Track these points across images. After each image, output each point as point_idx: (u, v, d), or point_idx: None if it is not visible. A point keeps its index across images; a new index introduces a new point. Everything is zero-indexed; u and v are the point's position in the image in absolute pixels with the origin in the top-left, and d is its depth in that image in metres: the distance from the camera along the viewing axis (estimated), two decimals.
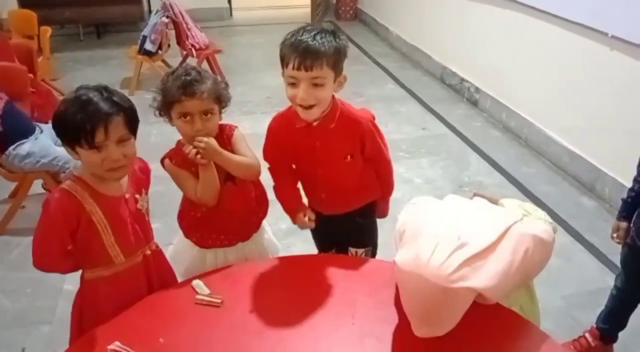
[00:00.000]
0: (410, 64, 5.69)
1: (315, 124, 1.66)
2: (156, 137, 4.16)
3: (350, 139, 1.70)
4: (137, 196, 1.51)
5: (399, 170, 3.58)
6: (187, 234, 1.83)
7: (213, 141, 1.59)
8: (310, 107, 1.57)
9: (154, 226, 3.05)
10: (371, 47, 6.34)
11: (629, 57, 2.95)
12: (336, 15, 7.83)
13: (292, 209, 1.84)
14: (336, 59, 1.55)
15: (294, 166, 1.82)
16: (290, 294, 1.54)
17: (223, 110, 1.68)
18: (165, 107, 1.61)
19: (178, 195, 3.24)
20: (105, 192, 1.42)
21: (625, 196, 2.01)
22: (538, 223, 1.44)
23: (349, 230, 1.90)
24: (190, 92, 1.55)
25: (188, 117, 1.58)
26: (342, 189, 1.78)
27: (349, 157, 1.71)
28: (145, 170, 1.59)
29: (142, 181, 1.56)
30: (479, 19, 4.47)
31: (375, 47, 6.37)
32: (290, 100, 1.61)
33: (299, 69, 1.51)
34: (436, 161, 3.73)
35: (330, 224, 1.87)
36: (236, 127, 1.76)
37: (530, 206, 1.62)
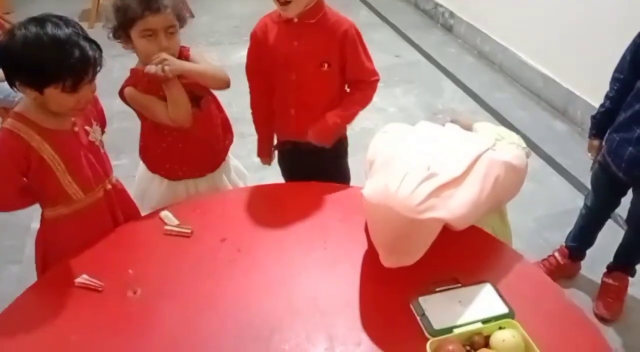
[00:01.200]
0: None
1: (295, 20, 1.59)
2: (119, 71, 4.01)
3: (330, 43, 1.61)
4: (87, 128, 1.42)
5: (373, 99, 3.52)
6: (154, 167, 1.76)
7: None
8: (287, 2, 1.52)
9: (121, 162, 2.99)
10: None
11: None
12: None
13: (261, 131, 1.86)
14: None
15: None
16: (261, 222, 1.51)
17: (181, 31, 1.57)
18: (124, 27, 1.50)
19: None
20: (52, 127, 1.33)
21: (594, 113, 2.00)
22: (510, 148, 1.42)
23: (317, 171, 1.75)
24: (155, 7, 1.46)
25: (152, 35, 1.49)
26: (312, 105, 1.70)
27: (325, 65, 1.62)
28: (94, 101, 1.50)
29: (91, 112, 1.47)
30: None
31: None
32: None
33: None
34: (410, 89, 3.67)
35: (299, 163, 1.84)
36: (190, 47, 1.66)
37: (504, 130, 1.60)
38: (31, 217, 2.23)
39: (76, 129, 1.39)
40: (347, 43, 1.62)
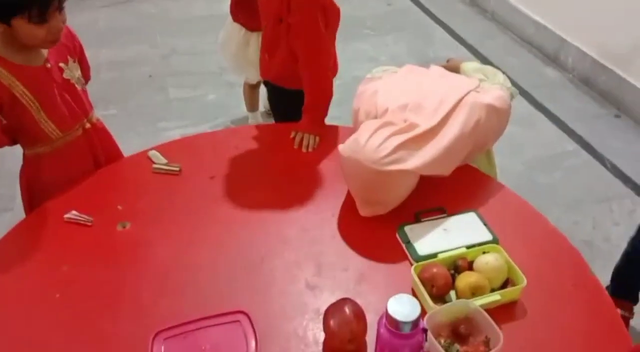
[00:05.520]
0: None
1: None
2: (105, 22, 3.95)
3: (281, 1, 1.53)
4: (61, 64, 1.38)
5: (364, 47, 3.48)
6: (234, 17, 2.23)
7: None
8: None
9: (110, 112, 2.97)
10: None
11: None
12: None
13: None
14: None
15: None
16: (250, 160, 1.52)
17: None
18: None
19: (131, 80, 3.13)
20: (23, 63, 1.30)
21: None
22: (493, 89, 1.41)
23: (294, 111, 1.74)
24: None
25: None
26: (276, 55, 1.67)
27: (281, 21, 1.57)
28: (70, 37, 1.44)
29: (66, 48, 1.41)
30: None
31: None
32: None
33: None
34: (401, 37, 3.62)
35: (281, 101, 1.84)
36: None
37: (490, 70, 1.58)
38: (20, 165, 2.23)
39: (49, 65, 1.34)
40: (291, 8, 1.52)
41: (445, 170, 1.30)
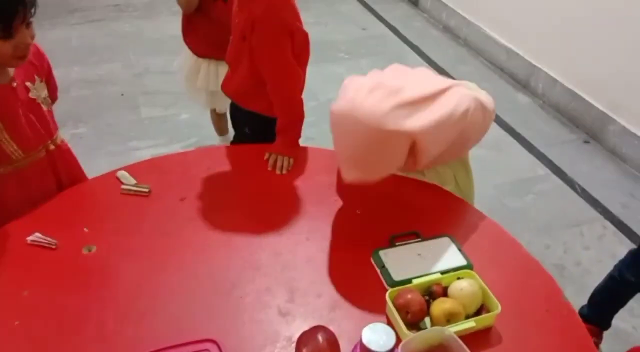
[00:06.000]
0: None
1: None
2: (77, 39, 3.89)
3: (246, 19, 1.51)
4: (27, 83, 1.34)
5: (339, 70, 3.50)
6: (185, 39, 2.18)
7: None
8: None
9: (80, 130, 2.91)
10: None
11: None
12: None
13: None
14: None
15: None
16: (221, 182, 1.49)
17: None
18: None
19: (103, 99, 3.11)
20: None
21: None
22: (481, 91, 1.42)
23: (252, 132, 1.75)
24: None
25: None
26: (238, 72, 1.66)
27: (244, 38, 1.55)
28: (38, 55, 1.40)
29: (34, 66, 1.37)
30: None
31: None
32: None
33: None
34: (375, 62, 3.65)
35: (239, 116, 1.84)
36: None
37: (471, 84, 1.59)
38: None
39: (14, 84, 1.30)
40: (256, 23, 1.49)
41: (435, 146, 1.25)
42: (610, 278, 1.77)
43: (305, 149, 1.63)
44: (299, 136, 1.65)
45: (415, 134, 1.17)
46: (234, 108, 1.89)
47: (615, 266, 1.76)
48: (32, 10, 1.21)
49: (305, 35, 1.59)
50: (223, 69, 2.07)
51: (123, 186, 1.42)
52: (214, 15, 2.02)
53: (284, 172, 1.52)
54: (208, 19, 2.04)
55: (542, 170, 2.72)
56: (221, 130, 2.62)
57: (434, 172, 1.50)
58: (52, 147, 1.43)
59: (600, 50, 2.84)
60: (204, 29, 2.09)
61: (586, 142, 2.94)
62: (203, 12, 2.05)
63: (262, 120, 1.69)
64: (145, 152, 2.69)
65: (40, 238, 1.24)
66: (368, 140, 1.16)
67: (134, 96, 3.17)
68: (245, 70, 1.61)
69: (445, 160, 1.40)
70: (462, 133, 1.31)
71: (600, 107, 2.89)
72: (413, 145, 1.21)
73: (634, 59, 2.66)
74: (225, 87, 1.78)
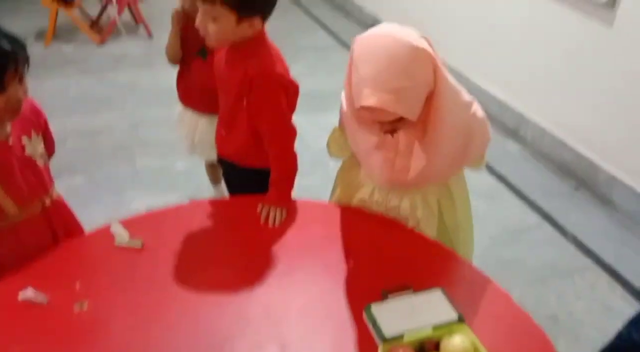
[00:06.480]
0: (343, 14, 5.60)
1: (227, 48, 1.59)
2: (75, 89, 3.96)
3: (242, 79, 1.54)
4: (24, 139, 1.36)
5: (331, 120, 3.52)
6: (181, 99, 2.27)
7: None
8: (205, 35, 1.49)
9: (75, 182, 2.93)
10: None
11: (545, 1, 3.03)
12: None
13: None
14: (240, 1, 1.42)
15: None
16: (214, 235, 1.51)
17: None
18: None
19: (99, 149, 3.14)
20: None
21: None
22: None
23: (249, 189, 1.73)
24: None
25: None
26: (235, 133, 1.69)
27: (245, 100, 1.58)
28: (35, 111, 1.42)
29: (30, 122, 1.39)
30: None
31: None
32: None
33: None
34: None
35: (236, 176, 1.86)
36: None
37: None
38: None
39: (10, 139, 1.32)
40: (254, 84, 1.53)
41: (449, 115, 1.30)
42: (618, 336, 1.72)
43: (297, 202, 1.65)
44: (291, 188, 1.68)
45: (439, 65, 1.22)
46: (231, 169, 1.87)
47: (625, 324, 1.72)
48: (25, 66, 1.25)
49: (296, 87, 1.64)
50: (202, 124, 2.20)
51: (116, 241, 1.43)
52: (192, 70, 2.12)
53: (277, 224, 1.54)
54: (189, 72, 2.14)
55: (534, 219, 2.74)
56: (215, 179, 2.64)
57: (419, 195, 1.52)
58: (47, 202, 1.44)
59: (586, 101, 2.92)
60: (185, 81, 2.19)
61: (577, 190, 2.98)
62: (186, 64, 2.14)
63: (259, 174, 1.71)
64: (141, 203, 2.70)
65: (32, 295, 1.24)
66: (397, 56, 1.17)
67: (130, 146, 3.21)
68: (244, 129, 1.64)
69: (443, 174, 1.44)
70: (468, 128, 1.37)
71: (589, 156, 2.95)
72: (430, 98, 1.25)
73: (620, 109, 2.73)
74: (223, 149, 1.80)
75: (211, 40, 1.49)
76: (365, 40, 1.24)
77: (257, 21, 1.49)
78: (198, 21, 1.46)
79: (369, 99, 1.19)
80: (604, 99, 2.80)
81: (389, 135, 1.38)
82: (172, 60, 2.15)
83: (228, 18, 1.44)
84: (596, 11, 2.75)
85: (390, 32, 1.21)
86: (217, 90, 1.71)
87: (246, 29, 1.48)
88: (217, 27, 1.45)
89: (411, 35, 1.20)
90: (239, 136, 1.68)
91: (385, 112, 1.20)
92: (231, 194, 1.98)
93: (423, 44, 1.20)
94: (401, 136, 1.38)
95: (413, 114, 1.24)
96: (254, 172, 1.73)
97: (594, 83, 2.85)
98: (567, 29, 2.95)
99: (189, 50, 2.08)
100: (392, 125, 1.30)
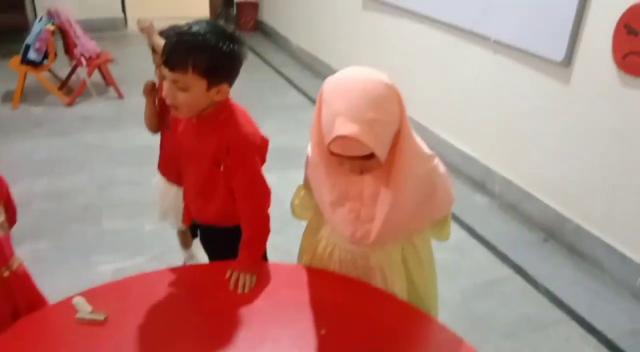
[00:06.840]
0: (312, 73, 5.75)
1: (194, 120, 1.58)
2: (44, 151, 3.91)
3: (217, 146, 1.55)
4: None
5: (303, 176, 3.58)
6: (162, 172, 2.26)
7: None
8: (174, 106, 1.49)
9: (39, 246, 2.85)
10: (273, 57, 6.35)
11: (511, 59, 3.16)
12: (237, 26, 7.77)
13: None
14: (211, 67, 1.43)
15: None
16: (181, 305, 1.47)
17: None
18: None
19: (65, 211, 3.08)
20: None
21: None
22: None
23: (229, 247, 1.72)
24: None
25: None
26: (214, 198, 1.69)
27: (218, 164, 1.59)
28: None
29: None
30: (371, 28, 4.61)
31: (277, 57, 6.38)
32: None
33: (165, 64, 1.43)
34: None
35: (216, 238, 1.83)
36: None
37: None
38: None
39: None
40: (231, 149, 1.55)
41: (413, 159, 1.35)
42: None
43: (267, 265, 1.63)
44: (262, 252, 1.66)
45: (403, 116, 1.27)
46: (209, 232, 1.86)
47: None
48: None
49: (266, 142, 1.67)
50: (175, 192, 2.18)
51: (78, 314, 1.38)
52: (163, 138, 2.20)
53: (246, 290, 1.51)
54: (162, 140, 2.23)
55: (505, 271, 2.76)
56: (185, 244, 2.60)
57: (383, 252, 1.51)
58: (6, 273, 1.40)
59: (549, 153, 3.01)
60: (162, 149, 2.25)
61: (546, 241, 3.02)
62: (161, 132, 2.20)
63: (240, 230, 1.68)
64: (108, 267, 2.63)
65: None
66: (370, 90, 1.22)
67: (97, 208, 3.16)
68: (222, 193, 1.64)
69: (407, 227, 1.46)
70: (430, 179, 1.40)
71: (555, 207, 3.01)
72: (396, 139, 1.28)
73: (581, 160, 2.81)
74: (202, 217, 1.79)
75: (182, 110, 1.49)
76: (337, 79, 1.29)
77: (224, 87, 1.51)
78: (165, 92, 1.46)
79: (343, 128, 1.19)
80: (566, 151, 2.89)
81: (355, 186, 1.40)
82: (150, 128, 2.19)
83: (199, 86, 1.46)
84: (553, 70, 2.87)
85: (361, 70, 1.28)
86: (182, 161, 1.71)
87: (214, 95, 1.50)
88: (187, 95, 1.46)
89: (381, 74, 1.26)
90: (218, 200, 1.67)
91: (357, 144, 1.20)
92: (210, 255, 1.94)
93: (393, 83, 1.26)
94: (366, 184, 1.39)
95: (383, 150, 1.25)
96: (235, 229, 1.69)
97: (555, 137, 2.94)
98: (528, 87, 3.08)
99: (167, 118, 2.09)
100: (362, 165, 1.29)
